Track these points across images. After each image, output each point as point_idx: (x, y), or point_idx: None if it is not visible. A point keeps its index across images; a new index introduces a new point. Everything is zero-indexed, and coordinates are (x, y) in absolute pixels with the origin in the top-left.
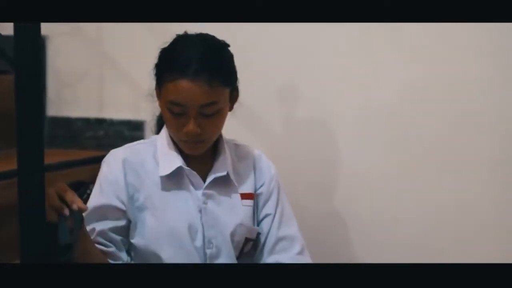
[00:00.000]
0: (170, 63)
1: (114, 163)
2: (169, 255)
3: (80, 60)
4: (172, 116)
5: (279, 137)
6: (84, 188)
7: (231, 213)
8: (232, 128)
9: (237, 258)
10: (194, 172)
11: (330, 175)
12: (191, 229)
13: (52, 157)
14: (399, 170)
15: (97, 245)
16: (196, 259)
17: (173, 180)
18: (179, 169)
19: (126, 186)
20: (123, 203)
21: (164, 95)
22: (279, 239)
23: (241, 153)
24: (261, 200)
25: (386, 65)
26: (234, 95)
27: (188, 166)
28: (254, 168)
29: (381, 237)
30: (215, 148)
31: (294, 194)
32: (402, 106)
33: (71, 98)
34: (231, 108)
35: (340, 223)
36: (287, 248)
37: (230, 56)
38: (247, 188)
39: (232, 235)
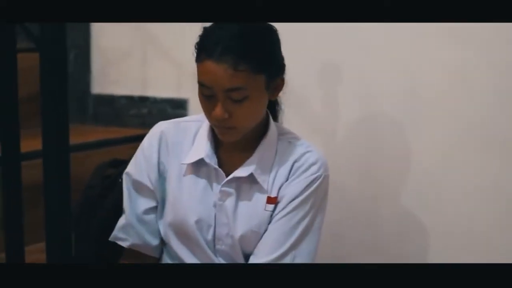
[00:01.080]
0: (201, 43)
1: (153, 138)
2: (177, 246)
3: (124, 39)
4: (203, 98)
5: (320, 119)
6: (123, 167)
7: (248, 216)
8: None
9: (246, 259)
10: (217, 167)
11: (372, 158)
12: (201, 223)
13: (95, 134)
14: (443, 155)
15: (118, 242)
16: (204, 252)
17: (197, 169)
18: (203, 159)
19: (157, 165)
20: (151, 182)
21: (197, 75)
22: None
23: (289, 152)
24: (281, 203)
25: (431, 46)
26: (274, 84)
27: (220, 155)
28: (291, 169)
29: (425, 222)
30: (259, 142)
31: (334, 176)
32: (447, 88)
33: (115, 76)
34: (272, 97)
35: (382, 207)
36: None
37: (271, 42)
38: (276, 191)
39: (242, 238)
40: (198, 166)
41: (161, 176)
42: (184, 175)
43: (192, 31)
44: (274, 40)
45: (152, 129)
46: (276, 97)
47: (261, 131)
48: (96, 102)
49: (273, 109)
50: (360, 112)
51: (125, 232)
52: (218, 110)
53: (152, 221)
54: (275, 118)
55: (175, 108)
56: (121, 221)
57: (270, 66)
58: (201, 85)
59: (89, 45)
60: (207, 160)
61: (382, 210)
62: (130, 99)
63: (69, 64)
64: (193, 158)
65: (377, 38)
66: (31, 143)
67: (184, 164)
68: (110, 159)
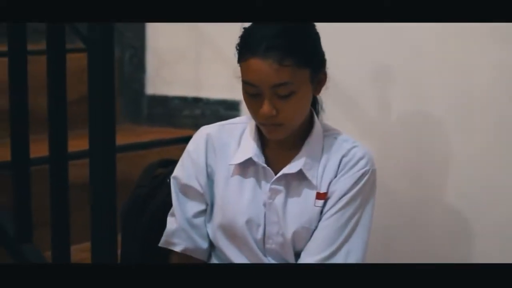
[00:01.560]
0: (244, 42)
1: (199, 141)
2: (226, 247)
3: (178, 40)
4: (248, 97)
5: (372, 121)
6: (172, 167)
7: (298, 213)
8: (327, 111)
9: (296, 257)
10: (265, 165)
11: (424, 161)
12: (251, 223)
13: (148, 134)
14: (496, 157)
15: (170, 247)
16: (253, 252)
17: (244, 169)
18: (250, 159)
19: (205, 167)
20: (201, 185)
21: (241, 75)
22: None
23: (336, 148)
24: (331, 200)
25: (483, 48)
26: (318, 78)
27: (267, 154)
28: (339, 164)
29: (476, 227)
30: (304, 139)
31: (386, 178)
32: (499, 90)
33: (169, 77)
34: (316, 92)
35: (433, 211)
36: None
37: (312, 36)
38: (325, 187)
39: (293, 236)
40: (245, 166)
41: (209, 179)
42: (231, 176)
43: None
44: (314, 34)
45: (197, 133)
46: (319, 93)
47: (307, 128)
48: (150, 103)
49: (314, 107)
50: (411, 114)
51: (178, 237)
52: (266, 107)
53: (202, 224)
54: (317, 113)
55: (227, 109)
56: (172, 226)
57: (314, 60)
58: (247, 83)
59: (144, 46)
60: (255, 159)
61: (433, 213)
62: (183, 100)
63: (124, 65)
64: (240, 158)
65: (429, 39)
66: (78, 143)
67: (232, 165)
68: (159, 159)
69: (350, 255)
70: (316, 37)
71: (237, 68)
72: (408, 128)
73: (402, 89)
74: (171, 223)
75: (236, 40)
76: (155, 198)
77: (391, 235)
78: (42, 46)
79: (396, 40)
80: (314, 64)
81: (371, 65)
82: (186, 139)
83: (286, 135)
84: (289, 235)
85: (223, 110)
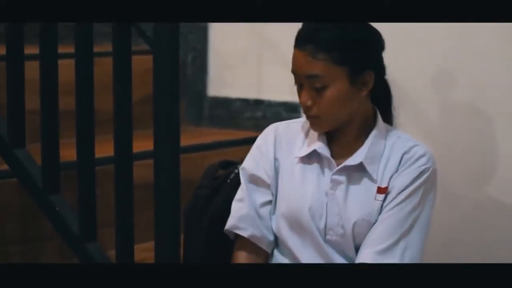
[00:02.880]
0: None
1: (269, 136)
2: (289, 237)
3: (240, 42)
4: (296, 86)
5: (434, 124)
6: (232, 168)
7: (359, 205)
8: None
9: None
10: (328, 156)
11: (486, 165)
12: (313, 211)
13: (209, 136)
14: None
15: (237, 231)
16: (316, 242)
17: (308, 161)
18: (315, 151)
19: (273, 160)
20: (268, 176)
21: None
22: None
23: (398, 145)
24: (391, 194)
25: None
26: (361, 79)
27: (331, 148)
28: (401, 160)
29: None
30: (368, 134)
31: (448, 182)
32: None
33: (231, 78)
34: (361, 92)
35: (496, 215)
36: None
37: (362, 36)
38: (386, 181)
39: (354, 228)
40: (310, 158)
41: (276, 171)
42: (296, 167)
43: None
44: (365, 35)
45: (266, 129)
46: (365, 93)
47: (370, 125)
48: (211, 104)
49: (386, 112)
50: (473, 118)
51: (245, 222)
52: (302, 96)
53: (267, 215)
54: (390, 122)
55: (289, 111)
56: (240, 211)
57: (354, 60)
58: (292, 73)
59: (206, 48)
60: (319, 151)
61: (497, 216)
62: (245, 101)
63: (186, 67)
64: (306, 151)
65: (492, 41)
66: (143, 143)
67: (297, 157)
68: (220, 160)
69: (407, 250)
70: (366, 38)
71: None
72: (471, 131)
73: (465, 92)
74: (239, 208)
75: None
76: (216, 199)
77: (454, 238)
78: (105, 48)
79: (459, 42)
80: (355, 64)
81: (433, 69)
82: (247, 141)
83: (325, 128)
84: (349, 227)
85: (284, 112)
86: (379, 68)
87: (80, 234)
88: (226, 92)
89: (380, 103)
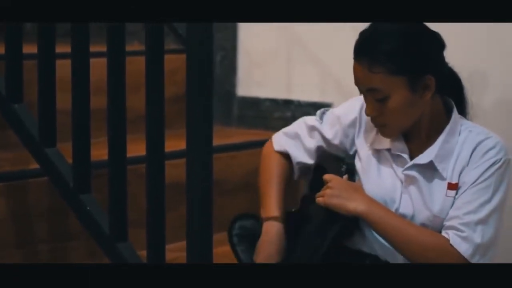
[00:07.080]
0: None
1: (356, 112)
2: None
3: (270, 42)
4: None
5: None
6: (339, 166)
7: (430, 201)
8: None
9: None
10: (400, 153)
11: None
12: (388, 204)
13: (238, 136)
14: None
15: None
16: None
17: (383, 155)
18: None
19: (352, 140)
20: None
21: None
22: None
23: (469, 140)
24: (462, 189)
25: None
26: (421, 84)
27: (409, 143)
28: (471, 155)
29: None
30: (440, 132)
31: None
32: None
33: (260, 78)
34: (425, 97)
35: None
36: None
37: (417, 43)
38: (457, 177)
39: (424, 224)
40: (384, 152)
41: (352, 143)
42: (370, 159)
43: (337, 34)
44: (425, 41)
45: (354, 102)
46: (428, 97)
47: (443, 120)
48: (241, 104)
49: (460, 101)
50: (507, 120)
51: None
52: (367, 108)
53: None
54: (464, 114)
55: None
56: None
57: (412, 68)
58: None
59: (235, 48)
60: (393, 148)
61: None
62: (274, 102)
63: (215, 66)
64: (380, 145)
65: None
66: (175, 143)
67: (371, 149)
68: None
69: (485, 235)
70: (420, 45)
71: (328, 69)
72: (502, 132)
73: (496, 92)
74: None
75: (326, 41)
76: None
77: None
78: (133, 47)
79: (490, 44)
80: (412, 71)
81: (466, 71)
82: None
83: (394, 134)
84: (419, 222)
85: (314, 112)
86: (440, 69)
87: (111, 234)
88: (255, 92)
89: (452, 94)
